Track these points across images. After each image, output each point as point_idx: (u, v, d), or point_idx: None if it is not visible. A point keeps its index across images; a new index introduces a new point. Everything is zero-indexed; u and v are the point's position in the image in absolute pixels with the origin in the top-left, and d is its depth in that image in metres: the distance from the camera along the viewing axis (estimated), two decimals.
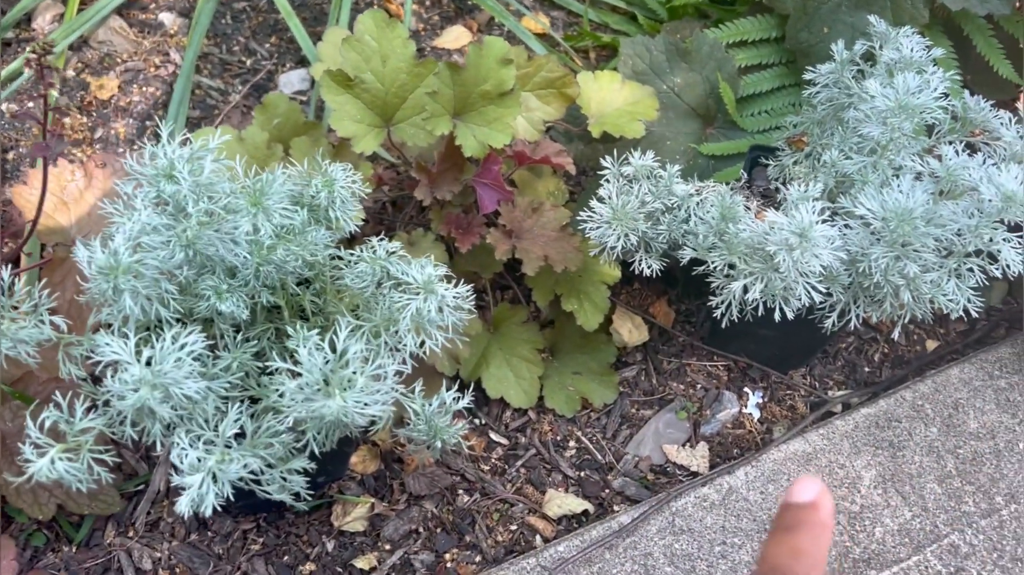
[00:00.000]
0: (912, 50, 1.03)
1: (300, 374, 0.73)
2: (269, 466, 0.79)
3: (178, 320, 0.78)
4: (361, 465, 1.17)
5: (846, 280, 0.98)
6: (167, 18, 1.61)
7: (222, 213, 0.78)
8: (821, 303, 1.01)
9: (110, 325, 0.81)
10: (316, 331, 0.75)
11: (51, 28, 1.55)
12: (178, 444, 0.71)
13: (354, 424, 0.75)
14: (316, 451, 0.79)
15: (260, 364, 0.85)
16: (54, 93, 1.44)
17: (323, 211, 0.86)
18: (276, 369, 0.82)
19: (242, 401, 0.77)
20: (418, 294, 0.81)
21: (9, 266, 0.80)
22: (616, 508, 1.18)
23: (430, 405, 0.84)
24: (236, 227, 0.76)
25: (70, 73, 1.52)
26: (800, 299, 0.92)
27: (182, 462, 0.70)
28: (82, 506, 1.06)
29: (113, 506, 1.08)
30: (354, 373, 0.73)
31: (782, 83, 1.39)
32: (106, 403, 0.79)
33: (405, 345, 0.81)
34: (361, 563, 1.10)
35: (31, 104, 1.45)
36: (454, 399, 0.85)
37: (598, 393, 1.27)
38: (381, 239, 0.86)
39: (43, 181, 0.99)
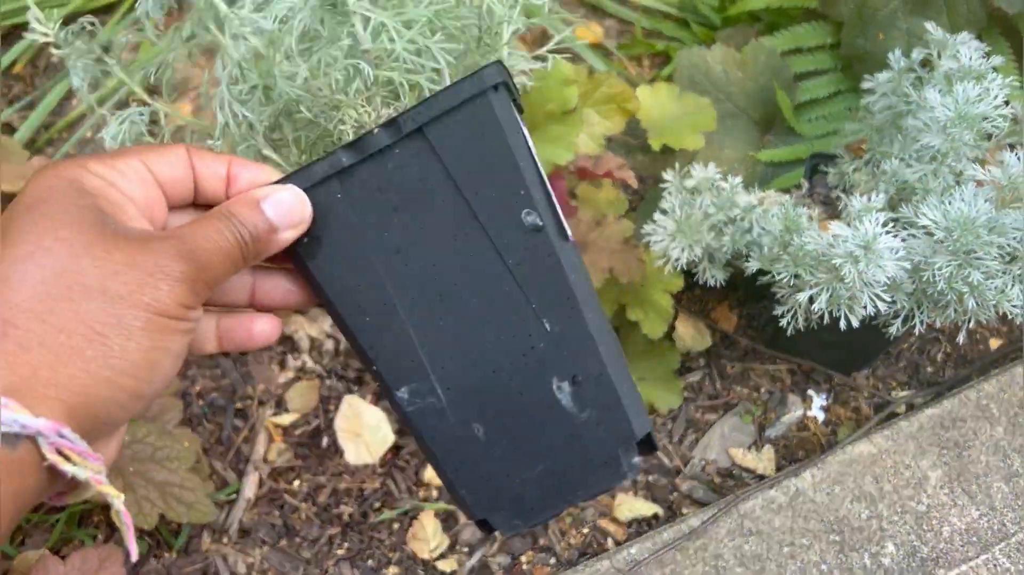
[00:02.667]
0: (970, 58, 1.04)
1: None
2: None
3: None
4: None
5: (910, 288, 1.00)
6: None
7: None
8: (886, 310, 1.04)
9: None
10: None
11: None
12: None
13: None
14: None
15: None
16: None
17: None
18: None
19: None
20: None
21: None
22: (685, 511, 1.21)
23: None
24: None
25: None
26: (865, 308, 0.95)
27: None
28: (181, 515, 1.13)
29: (209, 515, 1.14)
30: None
31: (838, 88, 1.41)
32: None
33: None
34: (443, 566, 1.15)
35: None
36: None
37: (663, 399, 1.31)
38: None
39: None
